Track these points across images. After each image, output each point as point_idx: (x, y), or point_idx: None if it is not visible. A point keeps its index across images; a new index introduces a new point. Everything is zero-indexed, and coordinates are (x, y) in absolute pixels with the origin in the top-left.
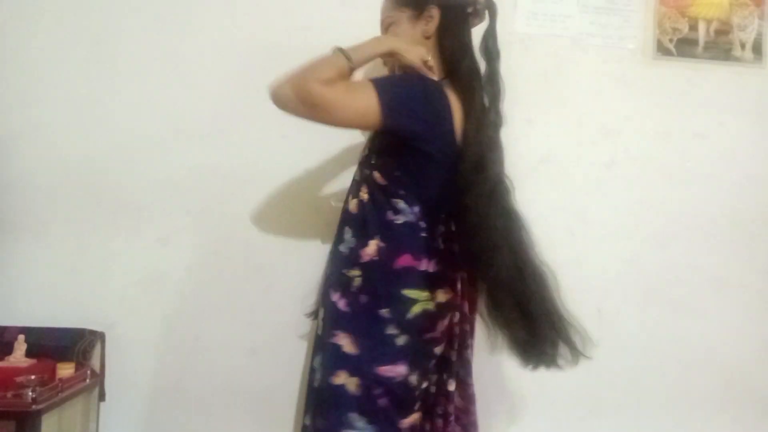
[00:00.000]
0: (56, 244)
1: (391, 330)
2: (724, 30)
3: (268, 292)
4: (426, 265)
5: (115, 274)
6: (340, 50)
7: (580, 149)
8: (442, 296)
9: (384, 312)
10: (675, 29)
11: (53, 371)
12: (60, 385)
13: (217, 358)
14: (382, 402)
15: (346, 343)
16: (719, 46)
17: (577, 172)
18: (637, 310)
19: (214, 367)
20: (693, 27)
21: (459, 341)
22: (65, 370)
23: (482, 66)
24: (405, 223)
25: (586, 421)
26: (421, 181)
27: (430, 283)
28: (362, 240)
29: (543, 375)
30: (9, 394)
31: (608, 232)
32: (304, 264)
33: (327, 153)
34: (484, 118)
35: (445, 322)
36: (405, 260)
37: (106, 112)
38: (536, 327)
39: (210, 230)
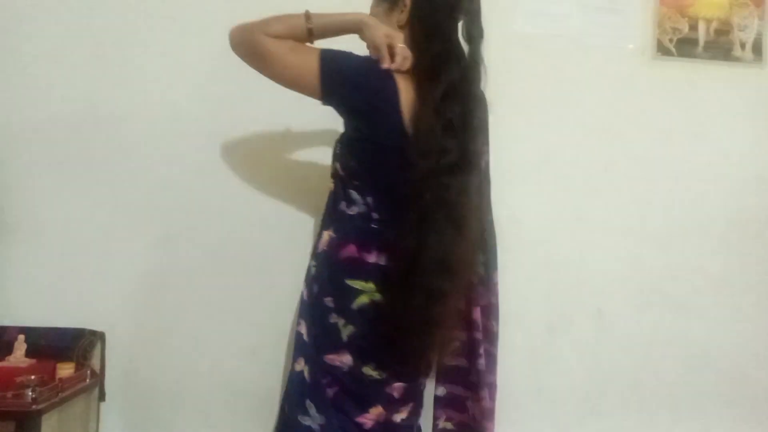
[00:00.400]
0: (56, 244)
1: (335, 319)
2: (724, 30)
3: (268, 292)
4: (376, 258)
5: (115, 274)
6: (306, 12)
7: (580, 149)
8: None
9: (328, 300)
10: (675, 29)
11: (53, 371)
12: (60, 385)
13: (217, 358)
14: (331, 391)
15: (305, 331)
16: (719, 46)
17: (577, 172)
18: (637, 310)
19: (214, 367)
20: (693, 27)
21: (468, 349)
22: (65, 370)
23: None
24: (357, 214)
25: (586, 421)
26: (373, 170)
27: (381, 275)
28: (321, 231)
29: (543, 375)
30: (9, 394)
31: (608, 232)
32: (304, 264)
33: (328, 152)
34: (446, 104)
35: None
36: (350, 251)
37: (106, 112)
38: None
39: (210, 230)
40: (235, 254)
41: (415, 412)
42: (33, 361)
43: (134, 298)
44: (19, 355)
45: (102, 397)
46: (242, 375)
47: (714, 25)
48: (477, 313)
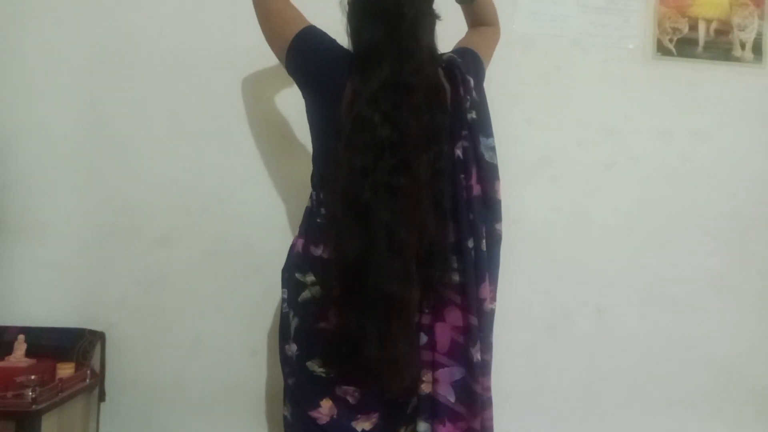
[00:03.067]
0: (56, 244)
1: (287, 309)
2: (724, 30)
3: (268, 292)
4: (321, 251)
5: (115, 274)
6: None
7: (580, 149)
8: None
9: (284, 292)
10: (675, 29)
11: (53, 371)
12: (60, 385)
13: (217, 358)
14: (291, 382)
15: None
16: (719, 46)
17: (577, 172)
18: (637, 310)
19: (214, 367)
20: (693, 27)
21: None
22: (65, 370)
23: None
24: (310, 209)
25: (586, 421)
26: (320, 164)
27: (320, 267)
28: None
29: (543, 375)
30: (9, 394)
31: (608, 232)
32: None
33: None
34: (384, 96)
35: None
36: (298, 245)
37: (106, 112)
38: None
39: (210, 230)
40: (235, 254)
41: (386, 427)
42: (33, 361)
43: (134, 298)
44: (19, 355)
45: (102, 397)
46: (242, 374)
47: (714, 25)
48: (440, 329)
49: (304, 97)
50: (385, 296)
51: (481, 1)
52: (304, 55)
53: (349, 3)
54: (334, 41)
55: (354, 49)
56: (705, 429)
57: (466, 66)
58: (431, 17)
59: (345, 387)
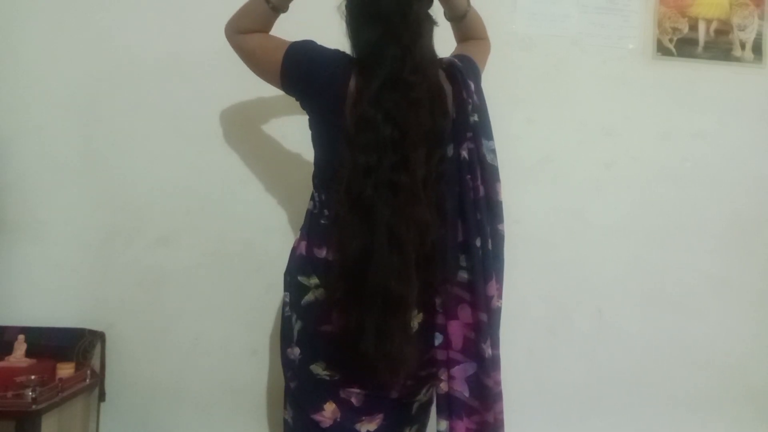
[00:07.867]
0: (56, 244)
1: (289, 313)
2: (724, 30)
3: (268, 292)
4: (325, 253)
5: (115, 274)
6: None
7: (581, 149)
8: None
9: (286, 296)
10: (675, 29)
11: (53, 371)
12: (60, 385)
13: (217, 358)
14: (293, 385)
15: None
16: (719, 46)
17: (577, 172)
18: (637, 310)
19: (214, 367)
20: (693, 27)
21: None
22: (65, 370)
23: None
24: (312, 211)
25: (586, 421)
26: (323, 166)
27: (324, 269)
28: None
29: (543, 375)
30: (9, 394)
31: (608, 232)
32: None
33: None
34: (385, 95)
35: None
36: (302, 248)
37: (106, 112)
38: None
39: (210, 230)
40: (235, 254)
41: (391, 428)
42: (33, 361)
43: (134, 298)
44: (19, 355)
45: (102, 397)
46: (242, 375)
47: (714, 25)
48: (453, 327)
49: (305, 107)
50: (384, 292)
51: (471, 18)
52: (300, 64)
53: (347, 6)
54: (324, 47)
55: (355, 51)
56: (705, 429)
57: (466, 70)
58: (430, 21)
59: (349, 389)
